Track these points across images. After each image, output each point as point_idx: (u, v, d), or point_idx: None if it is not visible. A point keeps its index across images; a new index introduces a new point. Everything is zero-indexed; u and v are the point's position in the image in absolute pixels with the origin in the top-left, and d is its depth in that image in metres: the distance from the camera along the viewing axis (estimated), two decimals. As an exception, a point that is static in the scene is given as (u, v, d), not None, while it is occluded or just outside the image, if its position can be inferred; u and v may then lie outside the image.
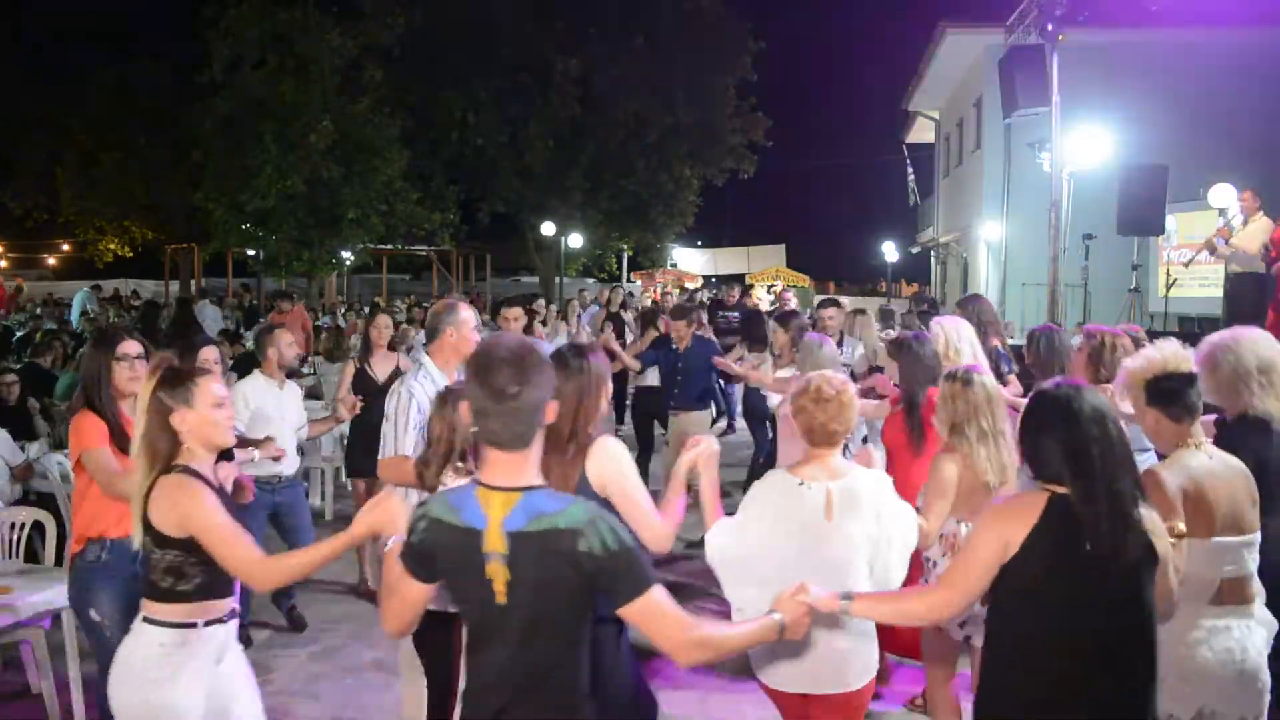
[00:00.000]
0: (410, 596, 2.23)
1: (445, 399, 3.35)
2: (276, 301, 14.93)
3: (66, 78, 26.88)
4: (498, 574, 2.06)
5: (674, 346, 7.46)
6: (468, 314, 4.09)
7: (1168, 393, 2.94)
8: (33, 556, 5.51)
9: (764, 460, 7.36)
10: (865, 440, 5.46)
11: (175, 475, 2.79)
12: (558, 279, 28.53)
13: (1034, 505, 2.39)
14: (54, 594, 4.24)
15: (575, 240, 28.76)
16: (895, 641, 3.96)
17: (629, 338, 10.29)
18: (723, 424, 11.46)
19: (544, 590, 2.07)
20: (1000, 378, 4.77)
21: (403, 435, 3.77)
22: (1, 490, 5.97)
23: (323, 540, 2.84)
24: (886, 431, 4.51)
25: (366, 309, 20.90)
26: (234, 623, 2.93)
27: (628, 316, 12.15)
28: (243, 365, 7.55)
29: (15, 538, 5.01)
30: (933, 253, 27.13)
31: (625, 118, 26.56)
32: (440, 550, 2.13)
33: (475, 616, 2.17)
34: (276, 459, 4.82)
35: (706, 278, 33.57)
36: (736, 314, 12.48)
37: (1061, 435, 2.41)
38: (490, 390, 2.06)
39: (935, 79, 21.70)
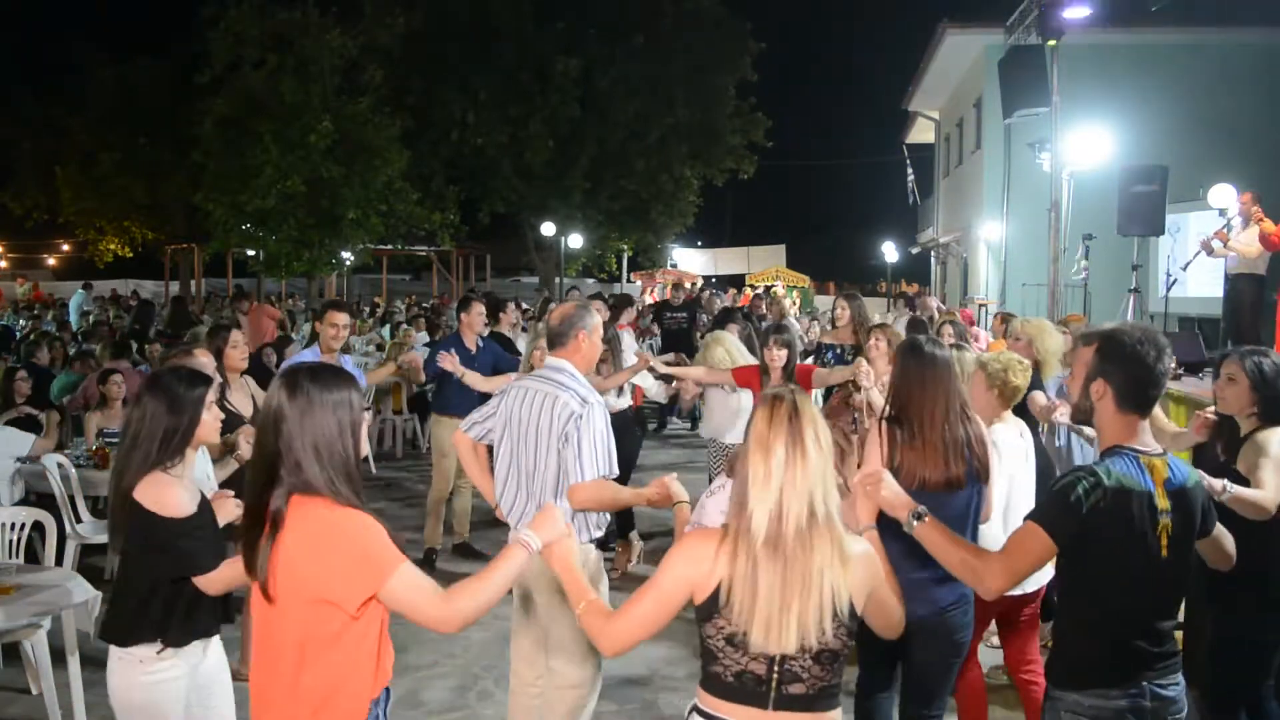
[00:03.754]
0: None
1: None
2: (236, 302, 14.41)
3: (66, 78, 26.90)
4: (1165, 529, 2.40)
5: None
6: (599, 318, 3.77)
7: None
8: (33, 556, 5.51)
9: None
10: None
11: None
12: (558, 279, 28.51)
13: None
14: (54, 594, 4.22)
15: (575, 240, 28.70)
16: None
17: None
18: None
19: (1190, 533, 2.47)
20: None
21: (604, 458, 3.48)
22: (2, 491, 5.98)
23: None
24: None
25: (366, 308, 20.94)
26: None
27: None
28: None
29: (15, 538, 5.01)
30: (933, 253, 27.11)
31: (625, 118, 26.56)
32: (1118, 514, 2.37)
33: (1132, 572, 2.41)
34: None
35: (706, 278, 33.53)
36: (684, 314, 12.35)
37: None
38: (1163, 369, 2.45)
39: (935, 79, 21.68)
